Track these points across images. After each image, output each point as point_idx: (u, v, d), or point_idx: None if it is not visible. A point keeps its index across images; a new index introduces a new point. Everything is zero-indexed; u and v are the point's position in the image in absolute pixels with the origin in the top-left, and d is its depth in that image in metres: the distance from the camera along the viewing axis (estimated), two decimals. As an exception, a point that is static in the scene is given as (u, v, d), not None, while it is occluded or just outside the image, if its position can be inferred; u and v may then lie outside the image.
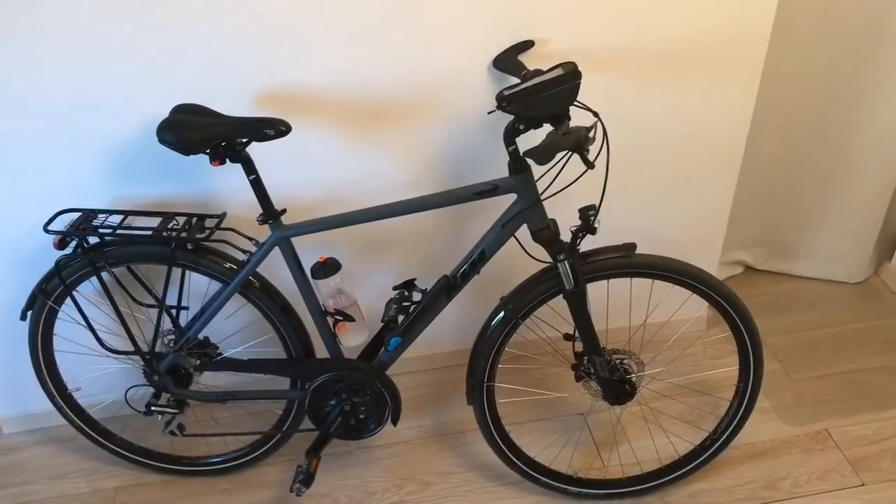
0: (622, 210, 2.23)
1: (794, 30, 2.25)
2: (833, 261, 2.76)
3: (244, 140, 1.70)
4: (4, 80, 1.75)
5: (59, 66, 1.75)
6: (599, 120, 1.64)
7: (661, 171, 2.22)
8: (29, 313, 1.93)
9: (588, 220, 1.72)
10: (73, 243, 1.82)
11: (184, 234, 1.80)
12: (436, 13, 1.84)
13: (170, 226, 1.84)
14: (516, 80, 1.65)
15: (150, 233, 1.81)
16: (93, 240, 1.83)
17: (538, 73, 1.69)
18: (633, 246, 1.80)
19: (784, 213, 2.71)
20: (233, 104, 1.82)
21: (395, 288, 1.92)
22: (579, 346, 1.92)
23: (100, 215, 1.87)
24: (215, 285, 1.91)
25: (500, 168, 1.77)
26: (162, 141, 1.66)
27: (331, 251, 1.94)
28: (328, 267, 1.86)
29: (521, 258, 1.78)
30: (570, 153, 1.58)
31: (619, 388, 1.92)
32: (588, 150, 1.54)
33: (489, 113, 1.65)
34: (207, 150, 1.67)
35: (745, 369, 1.97)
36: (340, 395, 1.96)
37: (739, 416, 2.01)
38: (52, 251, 1.82)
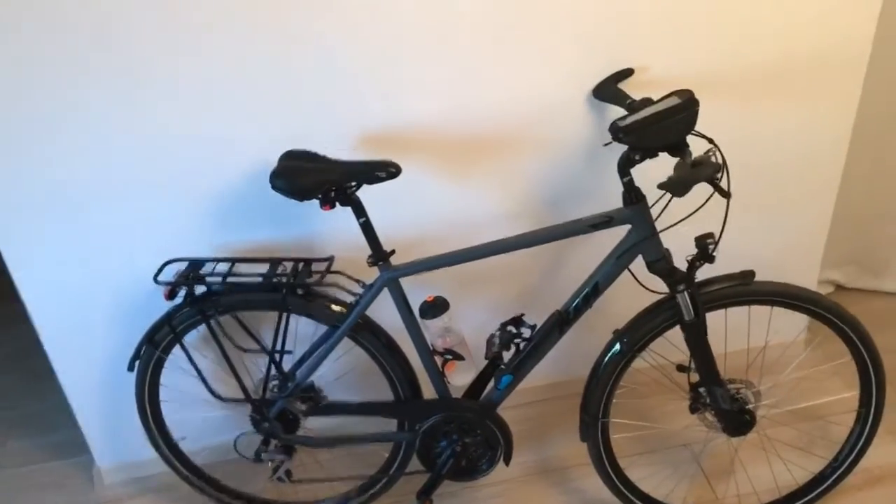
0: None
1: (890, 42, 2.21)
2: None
3: (355, 184, 1.69)
4: (105, 133, 1.76)
5: (163, 117, 1.77)
6: (716, 147, 1.61)
7: (759, 194, 2.18)
8: (136, 364, 1.92)
9: (706, 248, 1.68)
10: (182, 292, 1.82)
11: (294, 280, 1.79)
12: (533, 44, 1.84)
13: (278, 271, 1.83)
14: (619, 110, 1.63)
15: (260, 280, 1.80)
16: (200, 288, 1.83)
17: (648, 101, 1.67)
18: (751, 273, 1.76)
19: (876, 228, 2.65)
20: (334, 147, 1.82)
21: (503, 324, 1.89)
22: (694, 377, 1.87)
23: (207, 264, 1.87)
24: (319, 329, 1.90)
25: (600, 199, 1.75)
26: (276, 188, 1.66)
27: (426, 288, 1.91)
28: (437, 306, 1.83)
29: (618, 290, 1.75)
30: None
31: (739, 418, 1.87)
32: (720, 179, 1.51)
33: (605, 145, 1.63)
34: (320, 196, 1.67)
35: (866, 394, 1.91)
36: (451, 436, 1.93)
37: (862, 442, 1.95)
38: (155, 301, 1.84)
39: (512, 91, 1.89)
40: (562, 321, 1.80)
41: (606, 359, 1.83)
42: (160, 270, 1.85)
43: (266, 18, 1.69)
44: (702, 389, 1.88)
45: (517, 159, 1.99)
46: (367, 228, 1.74)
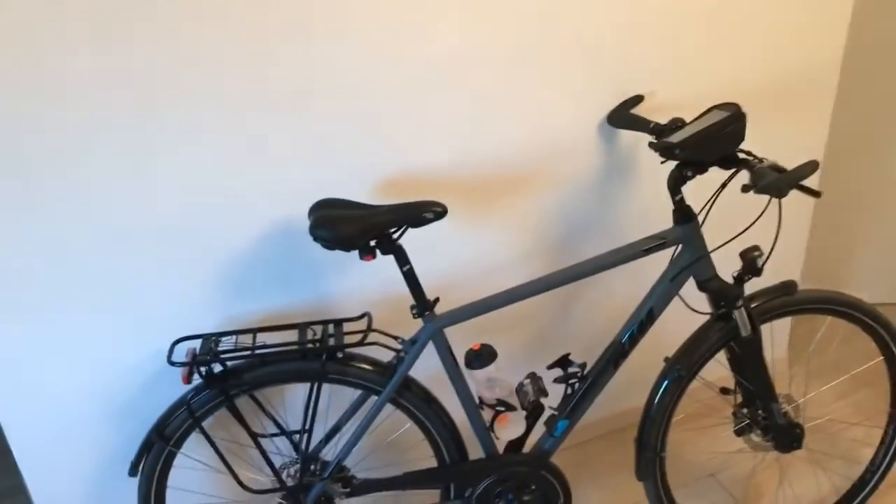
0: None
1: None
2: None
3: (398, 229, 1.56)
4: (111, 203, 1.55)
5: (170, 181, 1.57)
6: (760, 160, 1.61)
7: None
8: (142, 465, 1.65)
9: (754, 262, 1.66)
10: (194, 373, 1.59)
11: (332, 343, 1.61)
12: (546, 79, 1.80)
13: (308, 337, 1.64)
14: (635, 135, 1.62)
15: (293, 348, 1.60)
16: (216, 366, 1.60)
17: (680, 121, 1.68)
18: (793, 283, 1.76)
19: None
20: (352, 196, 1.67)
21: (549, 367, 1.78)
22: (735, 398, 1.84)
23: (223, 339, 1.65)
24: (334, 399, 1.71)
25: (619, 229, 1.71)
26: (318, 238, 1.50)
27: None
28: (484, 354, 1.70)
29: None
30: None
31: (791, 433, 1.84)
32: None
33: (662, 163, 1.59)
34: (370, 243, 1.52)
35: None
36: (507, 497, 1.78)
37: (896, 444, 1.98)
38: (154, 391, 1.67)
39: (527, 126, 1.84)
40: (617, 354, 1.72)
41: (662, 389, 1.76)
42: (171, 351, 1.61)
43: (278, 58, 1.56)
44: (746, 410, 1.85)
45: (534, 196, 1.92)
46: (411, 276, 1.60)
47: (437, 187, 1.81)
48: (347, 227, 1.50)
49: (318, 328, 1.67)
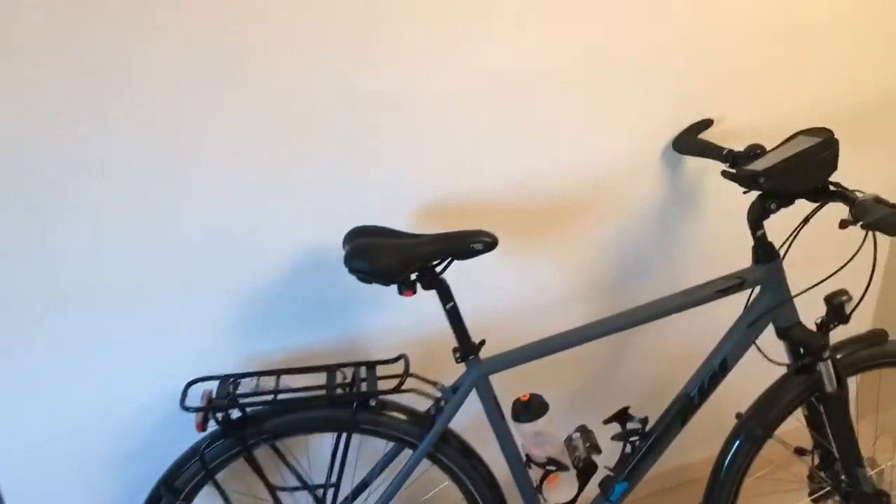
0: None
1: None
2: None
3: (443, 261, 1.38)
4: (121, 228, 1.38)
5: (185, 210, 1.41)
6: (854, 192, 1.42)
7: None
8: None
9: (841, 307, 1.47)
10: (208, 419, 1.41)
11: (367, 389, 1.43)
12: (604, 101, 1.64)
13: (337, 381, 1.46)
14: (701, 162, 1.49)
15: (321, 393, 1.42)
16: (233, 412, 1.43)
17: (759, 147, 1.50)
18: (884, 332, 1.56)
19: None
20: (390, 224, 1.50)
21: (605, 421, 1.59)
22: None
23: (242, 381, 1.47)
24: (369, 449, 1.53)
25: (694, 265, 1.56)
26: (354, 270, 1.33)
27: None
28: (534, 406, 1.51)
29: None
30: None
31: (877, 502, 1.63)
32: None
33: (745, 192, 1.41)
34: (410, 276, 1.34)
35: None
36: (556, 568, 1.57)
37: None
38: (165, 437, 1.51)
39: (583, 150, 1.67)
40: (685, 409, 1.53)
41: (734, 449, 1.56)
42: (185, 394, 1.43)
43: (310, 72, 1.40)
44: (824, 473, 1.65)
45: (589, 227, 1.74)
46: (455, 315, 1.42)
47: (482, 216, 1.64)
48: (388, 257, 1.33)
49: (349, 371, 1.49)
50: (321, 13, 1.36)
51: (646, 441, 1.54)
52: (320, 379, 1.46)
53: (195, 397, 1.42)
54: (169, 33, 1.28)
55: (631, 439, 1.55)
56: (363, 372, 1.49)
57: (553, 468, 1.53)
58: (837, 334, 1.50)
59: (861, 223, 1.23)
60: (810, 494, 1.68)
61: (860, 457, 1.58)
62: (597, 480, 1.59)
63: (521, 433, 1.53)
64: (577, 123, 1.63)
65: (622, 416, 1.59)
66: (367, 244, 1.35)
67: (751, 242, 1.49)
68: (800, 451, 1.66)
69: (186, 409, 1.38)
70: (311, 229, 1.51)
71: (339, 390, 1.43)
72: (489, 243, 1.37)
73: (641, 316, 1.48)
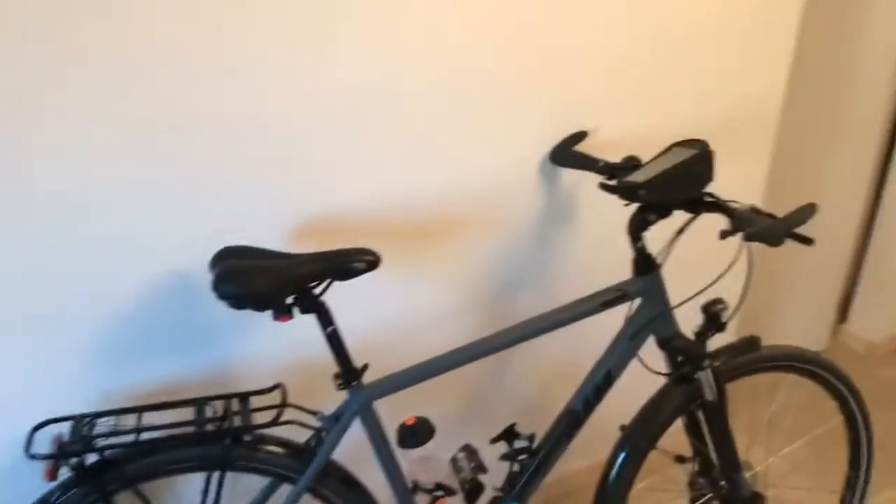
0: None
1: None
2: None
3: (321, 282, 1.29)
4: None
5: (27, 214, 1.26)
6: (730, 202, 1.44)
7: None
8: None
9: (717, 316, 1.49)
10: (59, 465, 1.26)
11: (240, 424, 1.32)
12: (477, 112, 1.60)
13: (207, 416, 1.34)
14: (578, 174, 1.54)
15: (189, 430, 1.30)
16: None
17: (634, 159, 1.52)
18: (757, 339, 1.60)
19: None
20: (262, 244, 1.39)
21: (492, 441, 1.55)
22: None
23: (98, 420, 1.32)
24: (242, 485, 1.43)
25: (560, 281, 1.67)
26: (224, 296, 1.22)
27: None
28: (420, 431, 1.45)
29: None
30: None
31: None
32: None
33: (626, 205, 1.40)
34: (289, 299, 1.25)
35: (855, 465, 1.82)
36: None
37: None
38: (9, 490, 1.34)
39: (458, 164, 1.62)
40: (571, 424, 1.51)
41: (620, 462, 1.55)
42: (30, 439, 1.27)
43: (159, 79, 1.28)
44: (702, 479, 1.67)
45: (468, 243, 1.70)
46: (335, 340, 1.34)
47: (357, 234, 1.56)
48: (261, 280, 1.23)
49: (220, 404, 1.37)
50: (183, 23, 1.25)
51: (534, 459, 1.51)
52: (188, 414, 1.34)
53: (44, 443, 1.27)
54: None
55: (519, 458, 1.51)
56: (235, 404, 1.38)
57: (441, 493, 1.48)
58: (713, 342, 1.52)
59: (743, 234, 1.24)
60: (691, 502, 1.70)
61: (738, 462, 1.61)
62: (484, 501, 1.55)
63: (407, 459, 1.47)
64: (444, 139, 1.57)
65: (509, 434, 1.55)
66: (236, 266, 1.25)
67: (629, 254, 1.49)
68: (680, 459, 1.68)
69: (33, 456, 1.23)
70: (173, 249, 1.38)
71: (209, 426, 1.32)
72: (372, 262, 1.30)
73: (528, 331, 1.44)
